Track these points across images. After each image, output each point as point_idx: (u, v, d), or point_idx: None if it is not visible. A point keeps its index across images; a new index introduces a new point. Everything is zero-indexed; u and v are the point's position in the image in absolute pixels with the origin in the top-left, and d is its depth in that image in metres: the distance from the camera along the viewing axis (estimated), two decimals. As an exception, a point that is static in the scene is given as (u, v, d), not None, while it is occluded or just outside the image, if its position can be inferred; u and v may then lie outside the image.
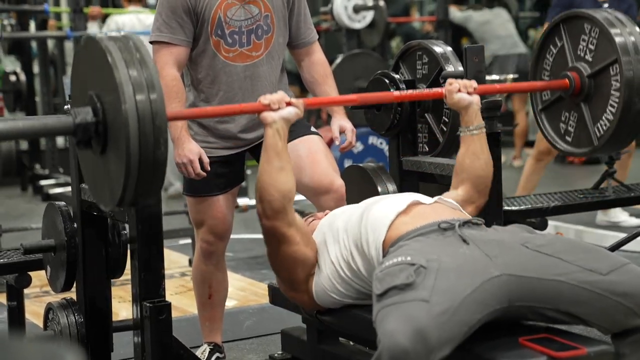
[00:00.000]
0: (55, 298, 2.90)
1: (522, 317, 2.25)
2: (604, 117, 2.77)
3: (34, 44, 8.39)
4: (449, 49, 3.20)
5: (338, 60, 6.05)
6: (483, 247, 2.22)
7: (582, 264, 2.19)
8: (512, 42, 8.17)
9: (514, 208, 3.79)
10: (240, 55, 3.04)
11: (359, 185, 3.19)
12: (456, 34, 9.21)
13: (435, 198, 2.52)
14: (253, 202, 4.81)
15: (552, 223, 4.98)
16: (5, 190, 8.14)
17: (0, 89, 8.49)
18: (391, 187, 3.14)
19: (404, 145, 3.20)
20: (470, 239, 2.25)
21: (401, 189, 3.13)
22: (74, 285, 2.80)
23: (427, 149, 3.28)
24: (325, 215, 2.69)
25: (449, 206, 2.49)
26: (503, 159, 4.33)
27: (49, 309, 2.83)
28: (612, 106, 2.76)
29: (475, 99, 2.65)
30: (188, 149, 2.95)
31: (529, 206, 3.81)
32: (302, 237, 2.48)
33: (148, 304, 2.51)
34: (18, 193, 8.01)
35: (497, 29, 8.24)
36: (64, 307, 2.77)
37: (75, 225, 2.75)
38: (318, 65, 3.19)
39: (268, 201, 2.43)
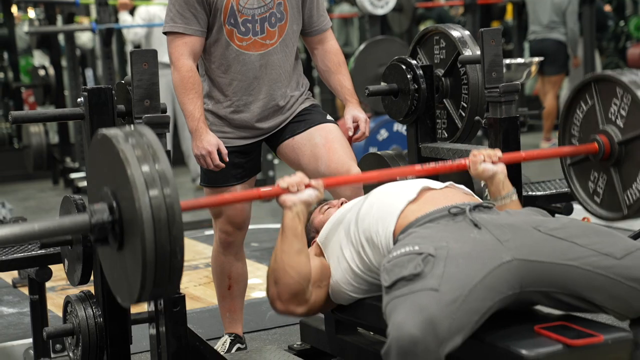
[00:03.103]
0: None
1: (536, 303, 2.21)
2: (634, 186, 2.62)
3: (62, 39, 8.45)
4: (467, 33, 3.16)
5: (361, 47, 6.00)
6: (494, 231, 2.18)
7: (596, 248, 2.14)
8: (545, 30, 8.01)
9: (538, 193, 3.73)
10: (254, 44, 3.01)
11: (377, 173, 3.15)
12: (486, 17, 9.11)
13: (447, 183, 2.48)
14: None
15: (580, 207, 4.90)
16: (37, 183, 8.22)
17: (30, 83, 8.58)
18: (409, 174, 3.10)
19: (422, 132, 3.16)
20: (482, 223, 2.21)
21: (419, 175, 3.09)
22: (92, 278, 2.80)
23: (446, 135, 3.24)
24: (341, 203, 2.66)
25: (460, 191, 2.44)
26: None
27: (67, 302, 2.83)
28: None
29: (500, 167, 2.53)
30: (207, 141, 2.93)
31: (554, 191, 3.75)
32: (315, 290, 2.44)
33: (162, 297, 2.50)
34: (49, 186, 8.09)
35: (539, 12, 8.09)
36: (81, 300, 2.76)
37: (90, 218, 2.75)
38: (331, 54, 3.15)
39: (286, 284, 2.36)
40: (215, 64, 3.05)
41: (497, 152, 2.55)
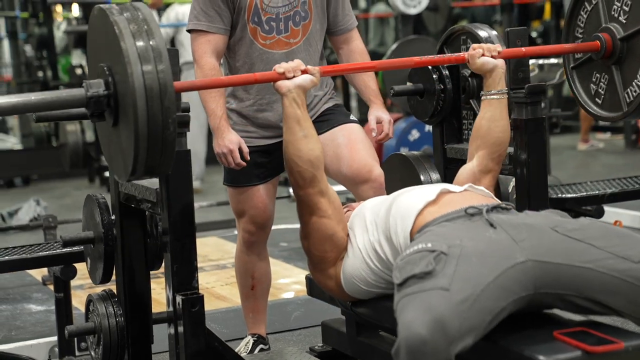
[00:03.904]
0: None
1: (551, 306, 2.16)
2: (634, 83, 2.64)
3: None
4: (494, 32, 3.10)
5: (393, 47, 5.96)
6: (510, 231, 2.13)
7: (613, 251, 2.09)
8: None
9: (568, 195, 3.68)
10: (278, 43, 3.00)
11: (402, 174, 3.12)
12: (524, 17, 9.01)
13: (466, 186, 2.45)
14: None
15: (613, 210, 4.83)
16: (73, 181, 8.29)
17: (67, 82, 8.65)
18: (434, 175, 3.07)
19: (449, 133, 3.13)
20: (498, 222, 2.17)
21: (445, 177, 3.06)
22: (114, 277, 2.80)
23: (472, 135, 3.19)
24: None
25: (479, 193, 2.41)
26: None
27: (89, 300, 2.84)
28: None
29: (500, 62, 2.59)
30: (228, 139, 2.93)
31: (584, 193, 3.69)
32: (333, 211, 2.46)
33: (181, 296, 2.49)
34: (85, 184, 8.15)
35: None
36: (103, 298, 2.77)
37: (112, 217, 2.75)
38: (356, 53, 3.13)
39: (297, 172, 2.42)
40: (239, 62, 3.04)
41: (497, 47, 2.61)
